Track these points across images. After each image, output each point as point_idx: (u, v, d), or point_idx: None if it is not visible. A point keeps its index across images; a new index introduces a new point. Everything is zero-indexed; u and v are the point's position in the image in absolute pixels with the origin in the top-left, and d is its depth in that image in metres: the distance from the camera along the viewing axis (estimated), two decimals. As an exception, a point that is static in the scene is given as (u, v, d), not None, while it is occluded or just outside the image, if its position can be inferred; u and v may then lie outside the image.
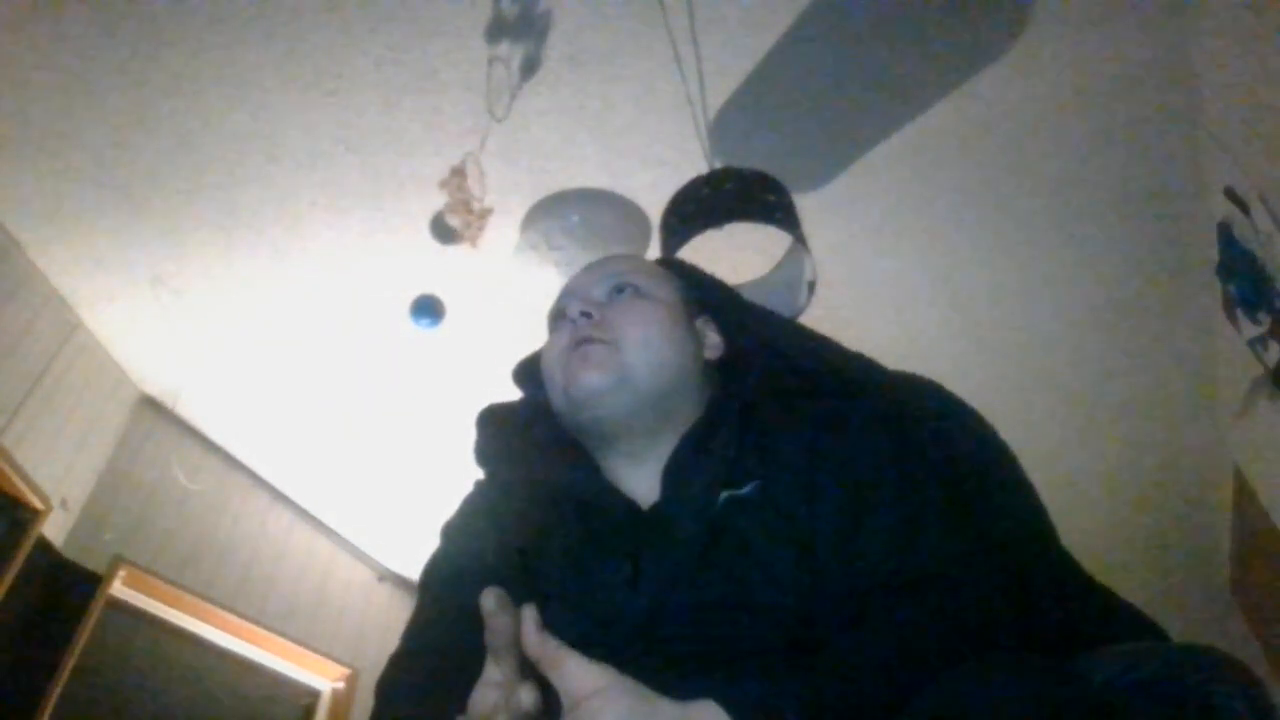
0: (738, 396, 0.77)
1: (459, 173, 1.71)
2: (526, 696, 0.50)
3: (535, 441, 0.82)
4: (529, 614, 0.55)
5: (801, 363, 0.81)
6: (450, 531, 0.82)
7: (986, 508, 0.67)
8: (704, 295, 0.89)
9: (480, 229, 1.75)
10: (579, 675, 0.52)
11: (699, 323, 0.85)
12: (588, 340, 0.76)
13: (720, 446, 0.72)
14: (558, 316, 0.84)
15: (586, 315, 0.78)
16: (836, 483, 0.66)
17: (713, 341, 0.84)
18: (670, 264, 0.95)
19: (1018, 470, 0.74)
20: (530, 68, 1.73)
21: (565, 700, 0.51)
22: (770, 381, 0.79)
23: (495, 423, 0.88)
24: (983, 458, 0.73)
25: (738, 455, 0.71)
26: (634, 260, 0.92)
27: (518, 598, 0.56)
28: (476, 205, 1.72)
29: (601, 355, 0.75)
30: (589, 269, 0.88)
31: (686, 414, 0.76)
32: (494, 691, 0.53)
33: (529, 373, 0.90)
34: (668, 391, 0.76)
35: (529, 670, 0.54)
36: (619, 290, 0.82)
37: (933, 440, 0.71)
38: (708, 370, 0.82)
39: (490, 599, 0.53)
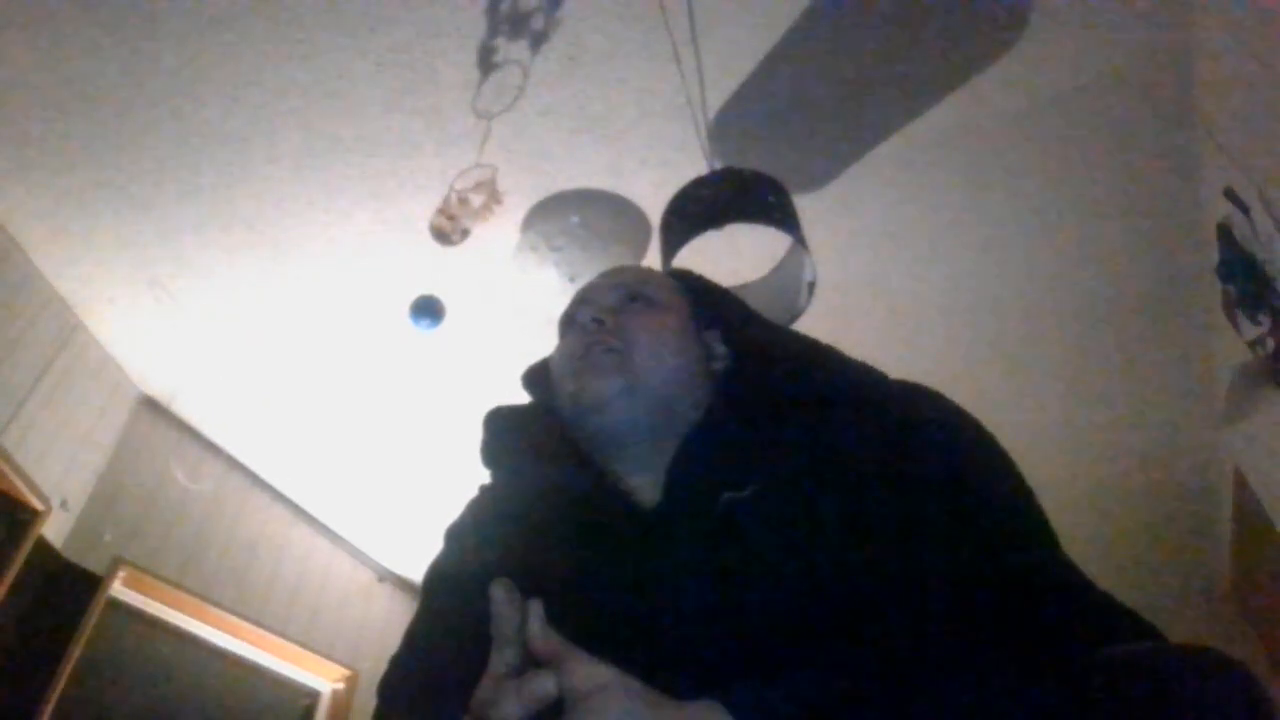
0: (741, 403, 0.78)
1: (493, 189, 1.74)
2: (547, 683, 0.50)
3: (540, 444, 0.83)
4: (535, 608, 0.55)
5: (805, 372, 0.82)
6: (454, 534, 0.83)
7: (986, 513, 0.67)
8: (713, 307, 0.90)
9: (460, 237, 1.77)
10: (582, 672, 0.52)
11: (707, 334, 0.86)
12: (598, 346, 0.77)
13: (722, 450, 0.72)
14: (568, 323, 0.85)
15: (598, 321, 0.80)
16: (837, 487, 0.66)
17: (720, 353, 0.85)
18: (681, 275, 0.95)
19: (1017, 475, 0.74)
20: (530, 68, 1.73)
21: (567, 696, 0.52)
22: (773, 389, 0.80)
23: (501, 424, 0.89)
24: (982, 464, 0.73)
25: (739, 459, 0.71)
26: (646, 271, 0.93)
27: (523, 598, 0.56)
28: (467, 221, 1.75)
29: (612, 362, 0.76)
30: (602, 277, 0.89)
31: (690, 420, 0.77)
32: (498, 685, 0.53)
33: (538, 377, 0.91)
34: (674, 400, 0.77)
35: (532, 664, 0.54)
36: (630, 299, 0.83)
37: (933, 446, 0.71)
38: (713, 380, 0.82)
39: (500, 588, 0.54)
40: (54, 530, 2.39)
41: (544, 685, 0.50)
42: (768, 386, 0.80)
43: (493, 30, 1.67)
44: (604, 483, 0.75)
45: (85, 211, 2.13)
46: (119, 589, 2.63)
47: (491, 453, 0.88)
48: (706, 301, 0.91)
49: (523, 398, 0.95)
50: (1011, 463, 0.74)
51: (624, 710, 0.50)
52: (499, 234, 2.06)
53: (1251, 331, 1.75)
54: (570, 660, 0.53)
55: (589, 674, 0.52)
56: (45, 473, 2.32)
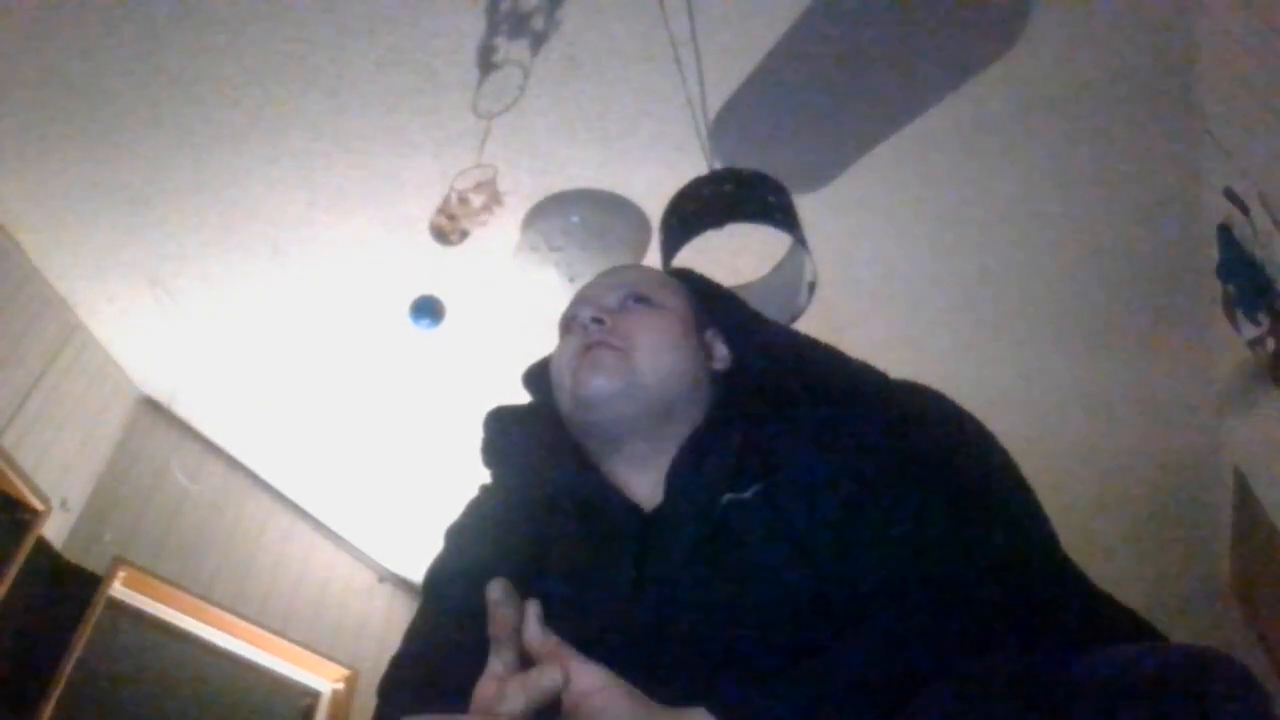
0: (741, 403, 0.78)
1: (493, 189, 1.74)
2: (554, 676, 0.50)
3: (540, 444, 0.83)
4: (532, 608, 0.55)
5: (805, 372, 0.82)
6: (455, 534, 0.83)
7: (986, 512, 0.67)
8: (714, 307, 0.90)
9: (459, 237, 1.77)
10: (577, 674, 0.52)
11: (708, 335, 0.86)
12: (599, 346, 0.77)
13: (723, 451, 0.72)
14: (568, 322, 0.85)
15: (598, 321, 0.80)
16: (837, 487, 0.66)
17: (720, 353, 0.85)
18: (682, 275, 0.95)
19: (1018, 475, 0.74)
20: (530, 68, 1.73)
21: (564, 697, 0.52)
22: (774, 390, 0.80)
23: (501, 424, 0.89)
24: (983, 463, 0.73)
25: (740, 460, 0.71)
26: (646, 270, 0.93)
27: (522, 599, 0.56)
28: (467, 222, 1.75)
29: (611, 360, 0.76)
30: (601, 277, 0.89)
31: (691, 420, 0.77)
32: (498, 684, 0.53)
33: (538, 377, 0.91)
34: (674, 399, 0.77)
35: (529, 664, 0.54)
36: (631, 299, 0.83)
37: (933, 446, 0.71)
38: (714, 380, 0.82)
39: (497, 589, 0.54)
40: (54, 530, 2.39)
41: (551, 678, 0.51)
42: (769, 387, 0.80)
43: (493, 30, 1.67)
44: (604, 483, 0.75)
45: (85, 211, 2.13)
46: (119, 589, 2.63)
47: (492, 453, 0.88)
48: (707, 301, 0.91)
49: (523, 397, 0.95)
50: (1012, 462, 0.74)
51: (617, 713, 0.50)
52: (499, 234, 2.06)
53: (1251, 331, 1.75)
54: (567, 660, 0.53)
55: (584, 676, 0.52)
56: (45, 473, 2.32)
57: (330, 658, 3.33)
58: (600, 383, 0.75)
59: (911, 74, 1.72)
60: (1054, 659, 0.53)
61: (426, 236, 1.83)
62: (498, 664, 0.54)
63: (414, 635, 0.76)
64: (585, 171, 1.96)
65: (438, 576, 0.80)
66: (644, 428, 0.76)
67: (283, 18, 1.65)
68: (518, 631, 0.54)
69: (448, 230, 1.76)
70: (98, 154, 1.96)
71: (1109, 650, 0.52)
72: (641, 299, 0.83)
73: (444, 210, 1.76)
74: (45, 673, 2.27)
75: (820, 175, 1.94)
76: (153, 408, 2.84)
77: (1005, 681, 0.49)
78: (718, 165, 1.74)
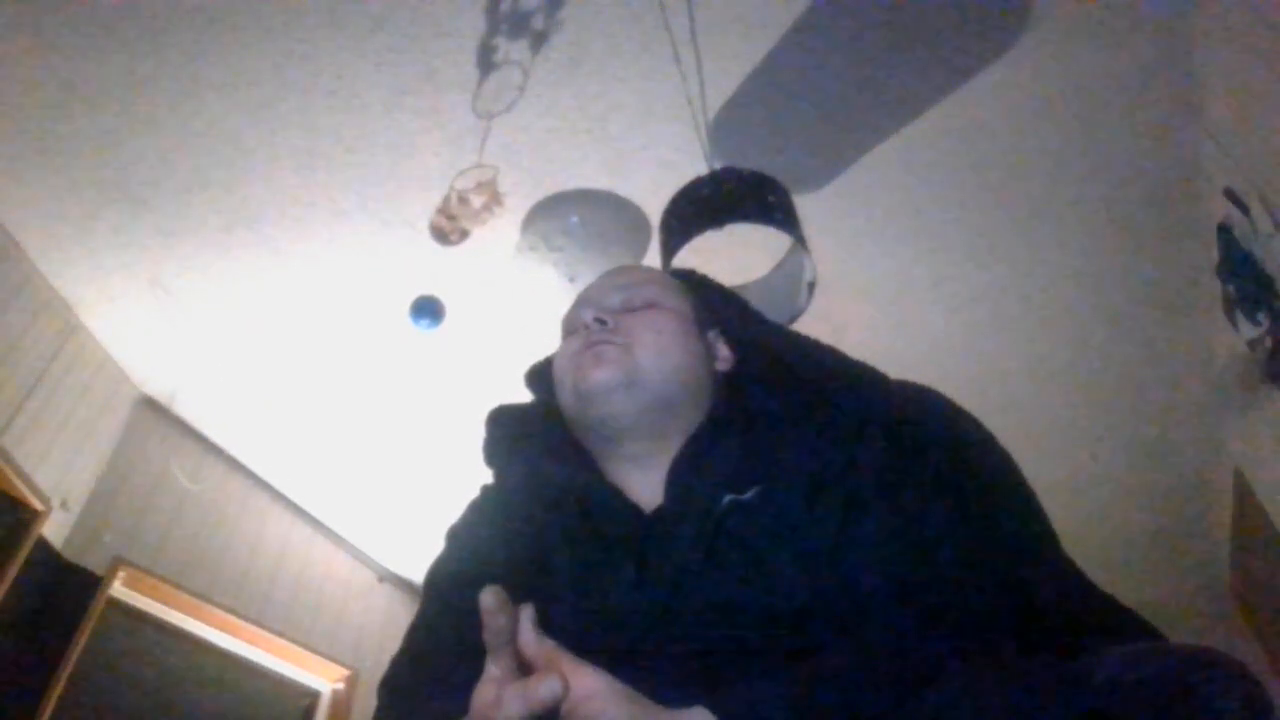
0: (742, 404, 0.78)
1: (494, 190, 1.74)
2: (555, 685, 0.50)
3: (541, 444, 0.83)
4: (526, 613, 0.55)
5: (806, 373, 0.82)
6: (456, 534, 0.83)
7: (987, 513, 0.67)
8: (715, 307, 0.90)
9: (459, 237, 1.77)
10: (574, 677, 0.52)
11: (710, 335, 0.86)
12: (601, 343, 0.77)
13: (724, 452, 0.72)
14: (571, 323, 0.85)
15: (601, 322, 0.80)
16: (837, 488, 0.66)
17: (723, 354, 0.85)
18: (684, 275, 0.96)
19: (1018, 476, 0.74)
20: (530, 68, 1.73)
21: (563, 703, 0.52)
22: (775, 391, 0.80)
23: (503, 423, 0.90)
24: (983, 464, 0.73)
25: (741, 461, 0.71)
26: (649, 271, 0.94)
27: (522, 600, 0.56)
28: (467, 222, 1.75)
29: (614, 354, 0.77)
30: (603, 278, 0.89)
31: (692, 421, 0.77)
32: (497, 688, 0.53)
33: (540, 376, 0.91)
34: (676, 398, 0.77)
35: (525, 670, 0.54)
36: (633, 300, 0.84)
37: (933, 447, 0.71)
38: (716, 380, 0.83)
39: (490, 597, 0.54)
40: (54, 530, 2.39)
41: (551, 689, 0.50)
42: (770, 388, 0.80)
43: (493, 30, 1.67)
44: (605, 483, 0.75)
45: (85, 211, 2.13)
46: (119, 589, 2.62)
47: (493, 452, 0.88)
48: (709, 301, 0.91)
49: (524, 397, 0.95)
50: (1012, 463, 0.74)
51: (615, 717, 0.50)
52: (499, 234, 2.06)
53: (1251, 331, 1.75)
54: (562, 665, 0.53)
55: (580, 681, 0.52)
56: (45, 473, 2.32)
57: (330, 658, 3.32)
58: (603, 375, 0.75)
59: (911, 74, 1.72)
60: (1055, 659, 0.53)
61: (426, 236, 1.83)
62: (494, 669, 0.54)
63: (414, 635, 0.76)
64: (585, 171, 1.96)
65: (439, 577, 0.80)
66: (645, 426, 0.76)
67: (283, 18, 1.65)
68: (513, 639, 0.54)
69: (448, 230, 1.76)
70: (98, 153, 1.96)
71: (1110, 650, 0.52)
72: (644, 299, 0.83)
73: (444, 210, 1.76)
74: (45, 673, 2.27)
75: (820, 175, 1.94)
76: (153, 408, 2.84)
77: (1006, 682, 0.49)
78: (718, 165, 1.74)
